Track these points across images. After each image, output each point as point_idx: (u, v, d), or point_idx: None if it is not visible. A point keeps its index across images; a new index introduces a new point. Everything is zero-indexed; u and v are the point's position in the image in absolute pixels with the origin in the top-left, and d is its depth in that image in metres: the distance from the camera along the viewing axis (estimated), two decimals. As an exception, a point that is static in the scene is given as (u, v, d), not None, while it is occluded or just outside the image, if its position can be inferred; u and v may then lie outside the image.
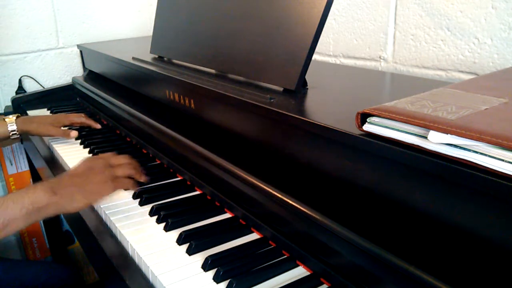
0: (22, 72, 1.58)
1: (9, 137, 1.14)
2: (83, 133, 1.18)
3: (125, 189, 0.81)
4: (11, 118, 1.14)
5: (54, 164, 1.08)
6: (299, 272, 0.60)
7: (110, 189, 0.74)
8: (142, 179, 0.81)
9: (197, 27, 1.00)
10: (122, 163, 0.79)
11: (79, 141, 1.14)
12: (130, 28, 1.78)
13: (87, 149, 1.09)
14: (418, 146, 0.46)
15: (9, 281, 0.97)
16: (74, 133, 1.14)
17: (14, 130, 1.13)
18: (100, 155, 0.81)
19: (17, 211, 0.65)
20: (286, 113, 0.64)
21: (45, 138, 1.20)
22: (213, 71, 0.95)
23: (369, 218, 0.54)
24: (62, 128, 1.16)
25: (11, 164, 1.59)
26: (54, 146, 1.13)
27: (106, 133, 1.20)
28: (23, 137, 1.31)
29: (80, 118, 1.20)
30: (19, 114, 1.18)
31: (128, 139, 1.14)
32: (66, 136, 1.14)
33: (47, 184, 0.70)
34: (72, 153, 1.07)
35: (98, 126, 1.21)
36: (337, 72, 1.02)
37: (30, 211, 0.66)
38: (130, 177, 0.79)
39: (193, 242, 0.65)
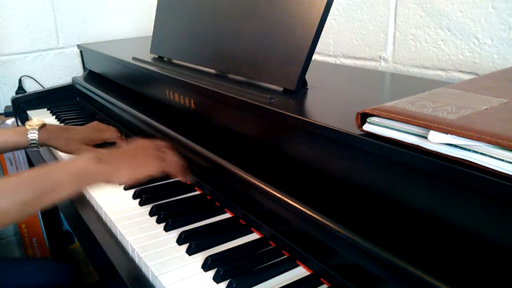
0: (22, 72, 1.58)
1: (27, 147, 0.94)
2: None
3: (172, 175, 0.76)
4: (33, 125, 0.94)
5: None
6: (299, 272, 0.60)
7: (156, 166, 0.71)
8: (184, 178, 0.78)
9: (197, 27, 1.00)
10: (172, 153, 0.77)
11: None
12: (130, 28, 1.78)
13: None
14: (418, 146, 0.46)
15: (9, 280, 0.97)
16: None
17: (34, 140, 0.94)
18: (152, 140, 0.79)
19: (64, 178, 0.62)
20: (286, 113, 0.64)
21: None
22: (213, 71, 0.95)
23: (369, 218, 0.54)
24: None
25: (11, 164, 1.59)
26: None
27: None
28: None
29: (115, 134, 1.05)
30: (45, 123, 0.97)
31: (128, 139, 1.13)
32: None
33: (94, 154, 0.68)
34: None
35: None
36: (337, 72, 1.02)
37: (77, 178, 0.63)
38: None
39: (193, 242, 0.65)
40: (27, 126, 0.94)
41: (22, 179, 0.61)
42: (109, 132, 1.05)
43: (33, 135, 0.93)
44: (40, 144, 0.95)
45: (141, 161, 0.70)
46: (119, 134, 1.06)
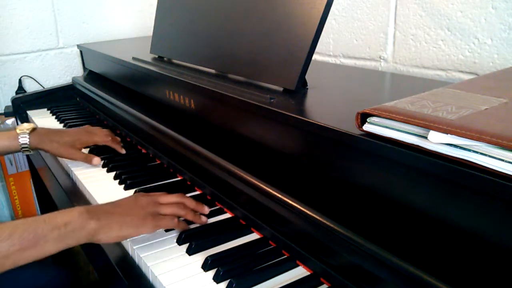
0: (22, 72, 1.58)
1: (19, 150, 0.95)
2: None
3: (171, 228, 0.70)
4: (24, 129, 0.95)
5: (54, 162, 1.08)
6: (299, 272, 0.60)
7: (148, 226, 0.66)
8: (199, 221, 0.72)
9: (197, 27, 1.00)
10: (171, 202, 0.71)
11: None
12: (130, 28, 1.78)
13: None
14: (418, 146, 0.46)
15: (9, 284, 0.97)
16: (97, 160, 0.97)
17: (26, 144, 0.94)
18: (151, 193, 0.73)
19: (48, 231, 0.59)
20: (286, 113, 0.64)
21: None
22: (213, 71, 0.95)
23: (369, 218, 0.54)
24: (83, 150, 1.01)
25: (11, 164, 1.59)
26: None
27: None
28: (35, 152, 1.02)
29: (106, 138, 1.04)
30: (35, 126, 0.98)
31: (128, 139, 1.13)
32: (88, 162, 0.97)
33: (84, 207, 0.64)
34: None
35: (123, 151, 1.04)
36: (337, 72, 1.02)
37: (62, 234, 0.59)
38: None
39: (193, 242, 0.65)
40: (17, 130, 0.94)
41: (3, 229, 0.57)
42: (100, 135, 1.04)
43: (24, 139, 0.94)
44: (31, 148, 0.95)
45: (134, 220, 0.65)
46: (112, 137, 1.05)
